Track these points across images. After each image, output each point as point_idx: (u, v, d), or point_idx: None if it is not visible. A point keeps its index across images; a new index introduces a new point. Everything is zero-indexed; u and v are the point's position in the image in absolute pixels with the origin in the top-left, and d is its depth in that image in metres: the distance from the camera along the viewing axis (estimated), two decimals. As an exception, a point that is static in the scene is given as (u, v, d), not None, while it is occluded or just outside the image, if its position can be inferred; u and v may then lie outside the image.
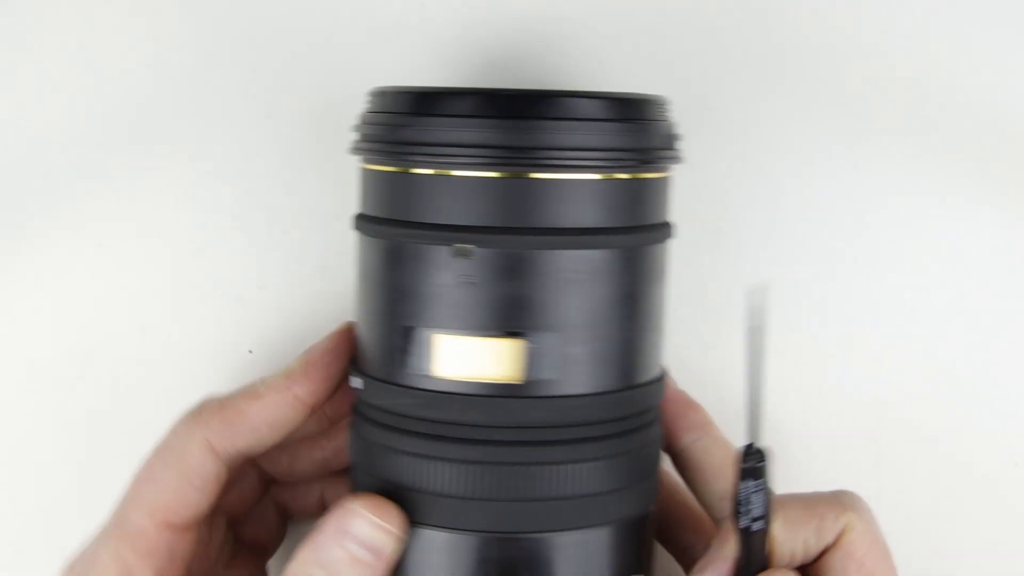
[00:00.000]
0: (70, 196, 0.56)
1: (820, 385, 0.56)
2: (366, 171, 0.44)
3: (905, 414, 0.56)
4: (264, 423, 0.46)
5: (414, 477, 0.42)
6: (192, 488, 0.46)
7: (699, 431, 0.49)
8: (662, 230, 0.44)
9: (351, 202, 0.52)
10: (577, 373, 0.42)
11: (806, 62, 0.54)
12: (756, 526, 0.43)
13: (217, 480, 0.46)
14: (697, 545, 0.50)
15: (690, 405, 0.49)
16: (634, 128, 0.42)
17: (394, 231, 0.42)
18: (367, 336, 0.44)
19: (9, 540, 0.58)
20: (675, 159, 0.44)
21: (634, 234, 0.43)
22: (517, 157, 0.40)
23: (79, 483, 0.57)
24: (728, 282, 0.56)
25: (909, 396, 0.56)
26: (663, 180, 0.44)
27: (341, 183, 0.54)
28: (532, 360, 0.41)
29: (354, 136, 0.45)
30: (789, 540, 0.44)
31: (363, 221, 0.44)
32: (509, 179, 0.40)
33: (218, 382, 0.53)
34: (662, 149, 0.43)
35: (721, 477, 0.48)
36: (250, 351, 0.56)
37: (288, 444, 0.50)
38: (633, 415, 0.44)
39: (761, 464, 0.42)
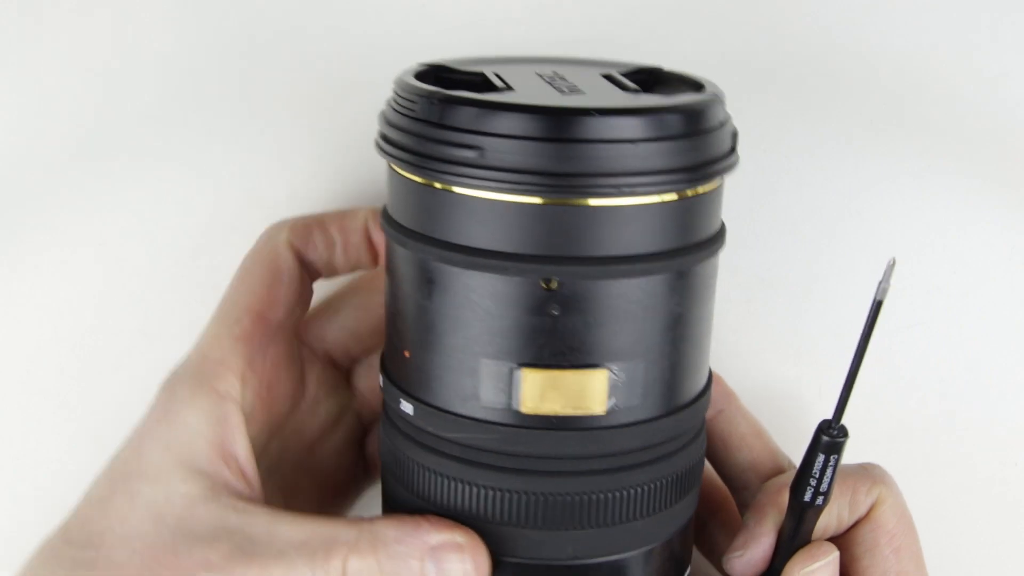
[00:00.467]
0: (70, 196, 0.55)
1: (820, 386, 0.57)
2: (425, 186, 0.41)
3: (905, 414, 0.58)
4: (338, 239, 0.49)
5: (492, 510, 0.42)
6: (280, 283, 0.48)
7: (722, 402, 0.50)
8: (719, 239, 0.43)
9: (351, 202, 0.53)
10: (652, 396, 0.42)
11: (807, 61, 0.55)
12: (819, 501, 0.44)
13: (301, 281, 0.48)
14: (711, 518, 0.51)
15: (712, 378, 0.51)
16: (692, 144, 0.40)
17: (471, 260, 0.40)
18: (422, 360, 0.42)
19: (9, 540, 0.57)
20: (733, 165, 0.42)
21: (694, 252, 0.41)
22: (580, 185, 0.39)
23: (79, 483, 0.56)
24: (728, 280, 0.57)
25: (909, 396, 0.58)
26: (720, 188, 0.43)
27: (341, 183, 0.54)
28: (614, 389, 0.41)
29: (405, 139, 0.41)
30: (824, 514, 0.45)
31: (430, 244, 0.41)
32: (575, 206, 0.39)
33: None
34: (720, 160, 0.42)
35: (744, 447, 0.49)
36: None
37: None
38: (697, 426, 0.45)
39: (842, 440, 0.43)
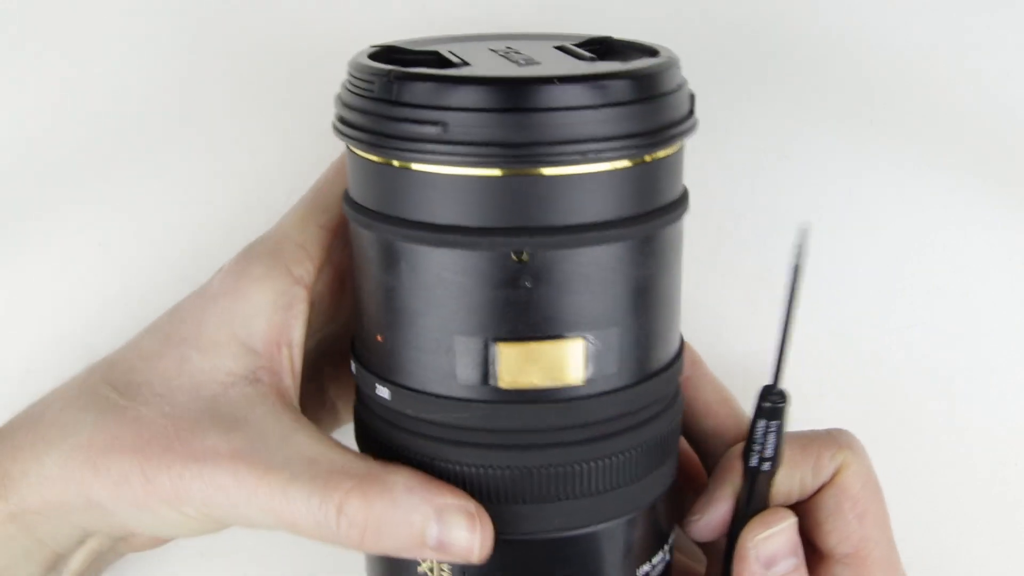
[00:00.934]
0: (71, 196, 0.56)
1: (820, 388, 0.58)
2: (388, 166, 0.41)
3: (905, 414, 0.57)
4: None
5: (476, 489, 0.42)
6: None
7: (689, 368, 0.49)
8: (683, 203, 0.43)
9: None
10: (627, 363, 0.42)
11: (807, 61, 0.55)
12: (765, 466, 0.44)
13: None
14: (686, 485, 0.51)
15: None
16: (653, 107, 0.40)
17: (440, 237, 0.40)
18: (395, 343, 0.42)
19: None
20: (693, 128, 0.42)
21: (662, 215, 0.41)
22: (545, 154, 0.38)
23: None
24: (729, 280, 0.57)
25: (909, 396, 0.57)
26: (681, 152, 0.43)
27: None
28: (590, 358, 0.41)
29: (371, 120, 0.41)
30: (786, 479, 0.45)
31: (396, 225, 0.40)
32: (541, 176, 0.39)
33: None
34: (681, 122, 0.42)
35: (710, 415, 0.49)
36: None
37: None
38: (673, 392, 0.45)
39: (780, 405, 0.43)
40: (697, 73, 0.53)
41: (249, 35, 0.55)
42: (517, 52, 0.44)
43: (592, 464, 0.42)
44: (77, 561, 0.47)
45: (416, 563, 0.44)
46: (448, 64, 0.42)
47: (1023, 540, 0.59)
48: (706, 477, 0.50)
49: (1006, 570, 0.59)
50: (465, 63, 0.41)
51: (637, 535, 0.44)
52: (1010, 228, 0.56)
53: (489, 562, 0.42)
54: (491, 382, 0.41)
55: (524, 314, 0.40)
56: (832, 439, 0.46)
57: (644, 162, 0.40)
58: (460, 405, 0.41)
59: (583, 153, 0.39)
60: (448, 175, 0.39)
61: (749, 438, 0.44)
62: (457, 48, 0.45)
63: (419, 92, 0.39)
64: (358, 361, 0.44)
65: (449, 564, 0.43)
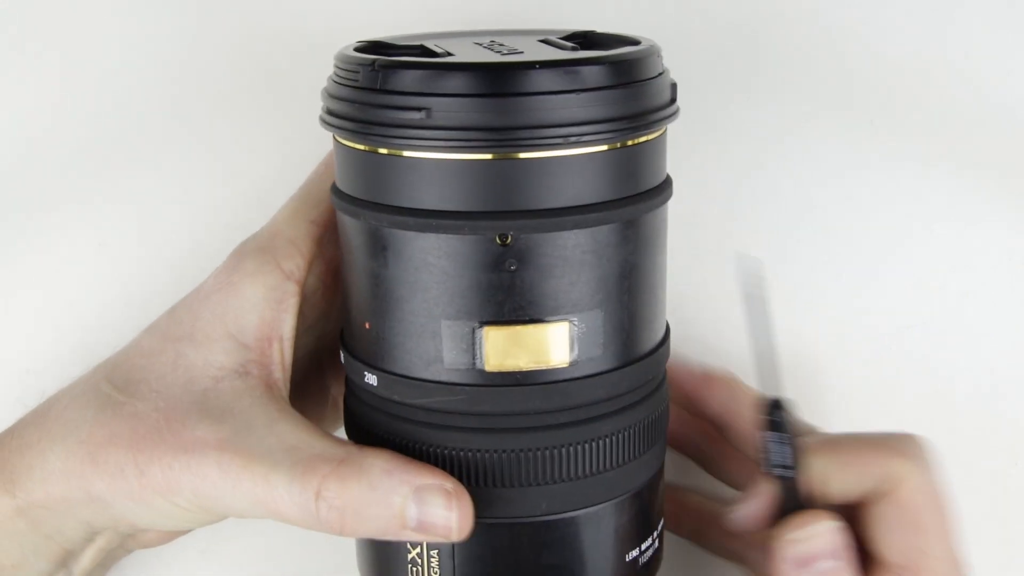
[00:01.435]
0: (71, 196, 0.56)
1: (820, 385, 0.58)
2: (373, 154, 0.41)
3: (905, 414, 0.57)
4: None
5: (464, 472, 0.42)
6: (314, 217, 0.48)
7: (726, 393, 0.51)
8: (667, 188, 0.44)
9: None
10: (613, 346, 0.42)
11: (807, 62, 0.55)
12: (784, 474, 0.44)
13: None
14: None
15: (710, 379, 0.51)
16: (636, 92, 0.41)
17: (424, 222, 0.40)
18: (382, 329, 0.43)
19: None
20: (675, 114, 0.43)
21: (645, 199, 0.42)
22: (528, 138, 0.39)
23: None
24: (730, 280, 0.57)
25: (909, 396, 0.57)
26: (664, 137, 0.44)
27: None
28: (575, 341, 0.41)
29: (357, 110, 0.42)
30: (837, 481, 0.45)
31: (381, 211, 0.41)
32: (524, 160, 0.39)
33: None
34: (664, 107, 0.42)
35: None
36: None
37: None
38: (659, 375, 0.46)
39: (781, 417, 0.44)
40: (698, 72, 0.54)
41: (247, 35, 0.56)
42: (501, 44, 0.44)
43: (578, 447, 0.42)
44: (87, 558, 0.49)
45: (406, 550, 0.44)
46: (432, 55, 0.42)
47: (1023, 540, 0.59)
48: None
49: (1007, 570, 0.59)
50: (449, 54, 0.42)
51: (625, 520, 0.44)
52: (1010, 228, 0.56)
53: (476, 546, 0.43)
54: (477, 365, 0.41)
55: (509, 297, 0.40)
56: (888, 447, 0.46)
57: (626, 146, 0.41)
58: (447, 389, 0.42)
59: (564, 137, 0.39)
60: (431, 160, 0.40)
61: (761, 451, 0.44)
62: (442, 42, 0.45)
63: (402, 79, 0.40)
64: (346, 350, 0.45)
65: (437, 550, 0.43)
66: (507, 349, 0.41)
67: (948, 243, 0.56)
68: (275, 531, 0.56)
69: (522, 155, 0.39)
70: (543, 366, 0.41)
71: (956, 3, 0.54)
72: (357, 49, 0.43)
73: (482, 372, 0.41)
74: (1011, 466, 0.58)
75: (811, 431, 0.50)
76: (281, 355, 0.46)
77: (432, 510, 0.41)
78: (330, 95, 0.43)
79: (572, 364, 0.42)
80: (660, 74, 0.42)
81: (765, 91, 0.56)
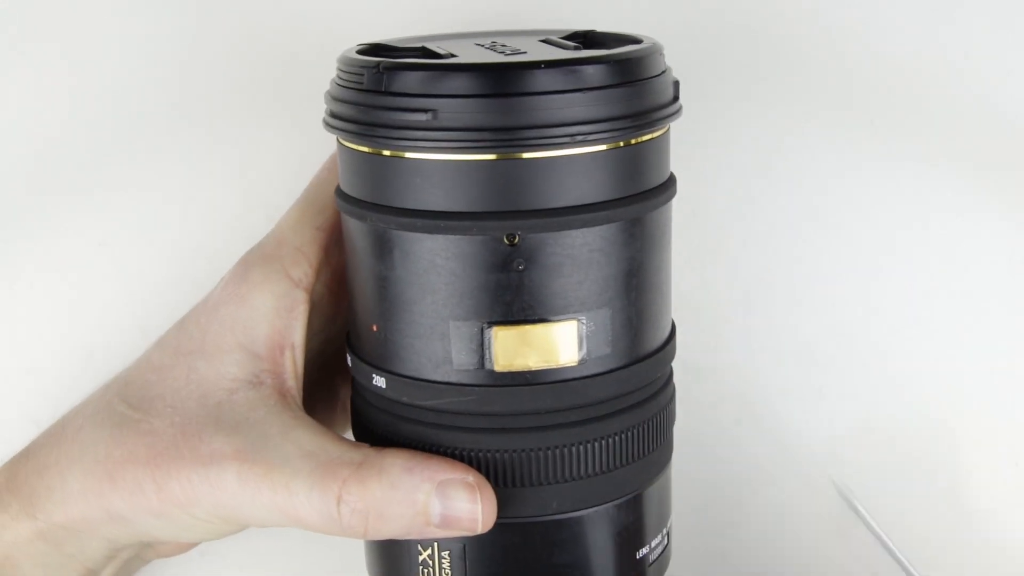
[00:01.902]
0: (71, 196, 0.56)
1: (820, 385, 0.58)
2: (379, 156, 0.41)
3: (905, 413, 0.58)
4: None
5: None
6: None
7: None
8: (671, 186, 0.44)
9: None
10: (621, 344, 0.42)
11: (808, 62, 0.55)
12: None
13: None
14: None
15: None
16: (640, 90, 0.41)
17: (432, 223, 0.40)
18: (390, 332, 0.42)
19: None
20: (678, 112, 0.43)
21: (651, 197, 0.42)
22: (534, 137, 0.39)
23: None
24: (729, 280, 0.57)
25: (909, 396, 0.58)
26: (668, 135, 0.44)
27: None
28: (584, 339, 0.41)
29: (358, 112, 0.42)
30: None
31: (389, 213, 0.41)
32: (530, 160, 0.39)
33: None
34: (668, 105, 0.42)
35: None
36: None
37: None
38: (667, 372, 0.46)
39: None
40: (698, 72, 0.54)
41: (248, 36, 0.56)
42: (503, 45, 0.44)
43: (589, 446, 0.42)
44: (107, 573, 0.49)
45: (417, 551, 0.44)
46: (436, 56, 0.42)
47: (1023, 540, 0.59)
48: None
49: (1008, 570, 0.59)
50: (452, 55, 0.42)
51: (635, 518, 0.44)
52: (1010, 228, 0.56)
53: (487, 546, 0.43)
54: (487, 366, 0.41)
55: (517, 297, 0.40)
56: None
57: (631, 145, 0.41)
58: (456, 390, 0.42)
59: (572, 136, 0.39)
60: (438, 161, 0.40)
61: None
62: (443, 44, 0.45)
63: (408, 81, 0.40)
64: (354, 353, 0.45)
65: (449, 551, 0.43)
66: (516, 349, 0.41)
67: (949, 243, 0.56)
68: (275, 532, 0.56)
69: (529, 155, 0.39)
70: (552, 365, 0.41)
71: (956, 3, 0.54)
72: (360, 52, 0.43)
73: (491, 372, 0.41)
74: (1012, 466, 0.58)
75: None
76: (293, 363, 0.46)
77: (456, 504, 0.41)
78: (334, 98, 0.43)
79: (581, 363, 0.42)
80: (663, 72, 0.43)
81: (764, 90, 0.56)
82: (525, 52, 0.42)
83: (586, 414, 0.42)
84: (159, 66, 0.56)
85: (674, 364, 0.47)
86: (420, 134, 0.39)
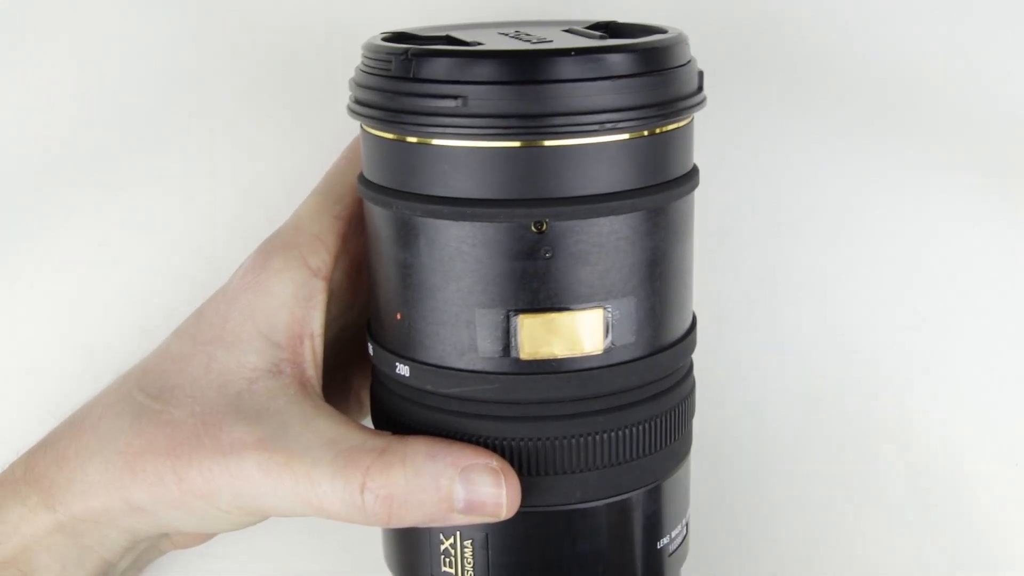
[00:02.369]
0: (71, 196, 0.56)
1: (821, 385, 0.58)
2: (407, 143, 0.41)
3: (906, 413, 0.58)
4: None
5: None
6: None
7: None
8: (694, 176, 0.44)
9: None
10: (645, 332, 0.42)
11: (808, 62, 0.56)
12: None
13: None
14: None
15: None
16: (668, 78, 0.41)
17: (459, 210, 0.40)
18: (415, 319, 0.42)
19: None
20: (701, 103, 0.43)
21: (676, 186, 0.42)
22: (562, 124, 0.39)
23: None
24: (729, 280, 0.57)
25: (910, 395, 0.58)
26: (692, 125, 0.44)
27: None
28: (609, 328, 0.41)
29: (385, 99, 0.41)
30: None
31: (415, 200, 0.41)
32: (558, 147, 0.39)
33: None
34: (690, 96, 0.42)
35: None
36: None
37: None
38: (688, 362, 0.46)
39: None
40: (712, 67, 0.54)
41: (248, 36, 0.56)
42: (527, 34, 0.44)
43: (613, 434, 0.42)
44: (124, 563, 0.49)
45: (439, 540, 0.44)
46: (461, 44, 0.42)
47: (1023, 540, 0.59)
48: None
49: (1008, 570, 0.59)
50: (478, 43, 0.42)
51: (656, 507, 0.45)
52: (1011, 228, 0.56)
53: (509, 535, 0.43)
54: (512, 354, 0.41)
55: (544, 285, 0.40)
56: None
57: (657, 134, 0.41)
58: (481, 378, 0.42)
59: (600, 124, 0.39)
60: (466, 148, 0.40)
61: None
62: (467, 32, 0.45)
63: (437, 68, 0.40)
64: (376, 341, 0.45)
65: (471, 539, 0.43)
66: (542, 337, 0.41)
67: (951, 242, 0.57)
68: (276, 532, 0.56)
69: (557, 142, 0.39)
70: (577, 353, 0.41)
71: (970, 6, 0.55)
72: (385, 39, 0.43)
73: (516, 360, 0.41)
74: (1012, 466, 0.58)
75: None
76: (313, 352, 0.46)
77: (480, 489, 0.41)
78: (359, 85, 0.42)
79: (606, 351, 0.42)
80: (688, 62, 0.43)
81: (765, 90, 0.56)
82: (551, 41, 0.42)
83: (610, 403, 0.42)
84: (159, 66, 0.56)
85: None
86: (448, 120, 0.39)
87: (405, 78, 0.40)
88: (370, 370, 0.47)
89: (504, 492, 0.41)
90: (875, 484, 0.58)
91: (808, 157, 0.56)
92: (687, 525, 0.47)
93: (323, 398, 0.45)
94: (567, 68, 0.39)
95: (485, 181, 0.40)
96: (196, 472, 0.43)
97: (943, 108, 0.55)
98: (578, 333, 0.41)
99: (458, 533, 0.43)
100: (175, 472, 0.43)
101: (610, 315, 0.41)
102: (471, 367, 0.42)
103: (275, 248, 0.46)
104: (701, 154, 0.46)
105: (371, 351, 0.45)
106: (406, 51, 0.41)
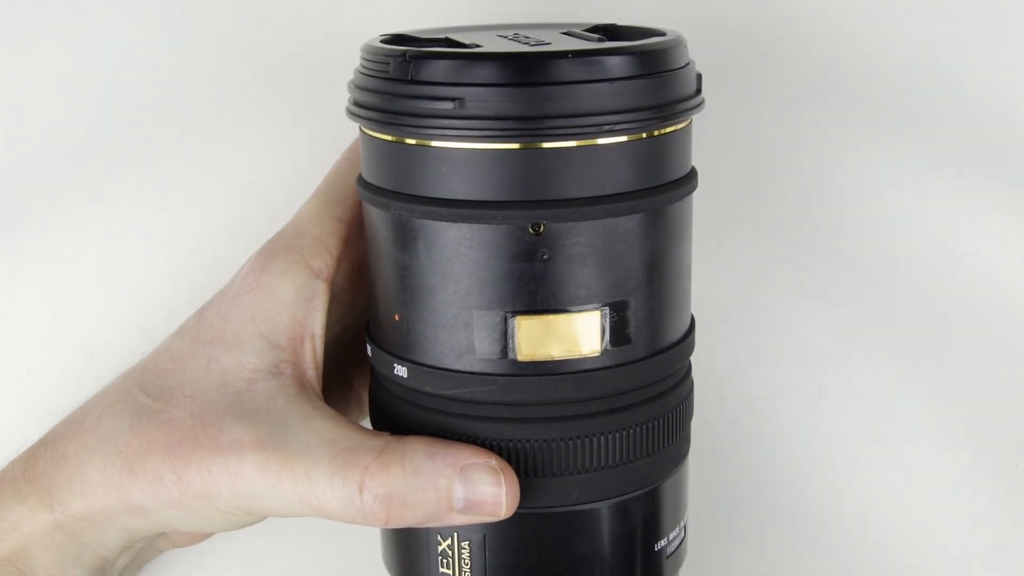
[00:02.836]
0: (71, 197, 0.56)
1: (821, 385, 0.58)
2: (405, 145, 0.41)
3: (906, 413, 0.58)
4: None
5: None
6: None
7: None
8: (693, 179, 0.44)
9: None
10: (643, 335, 0.43)
11: (808, 61, 0.56)
12: None
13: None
14: None
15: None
16: (667, 81, 0.41)
17: (457, 212, 0.40)
18: (413, 321, 0.42)
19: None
20: (700, 105, 0.43)
21: (674, 188, 0.42)
22: (560, 127, 0.39)
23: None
24: (730, 280, 0.57)
25: (909, 396, 0.58)
26: (690, 128, 0.44)
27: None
28: (607, 330, 0.42)
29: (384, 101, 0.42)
30: None
31: (413, 202, 0.41)
32: (557, 149, 0.40)
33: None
34: (688, 98, 0.42)
35: None
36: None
37: None
38: (686, 364, 0.46)
39: None
40: (705, 71, 0.54)
41: (249, 36, 0.56)
42: (526, 37, 0.44)
43: (610, 436, 0.42)
44: (121, 562, 0.49)
45: (436, 541, 0.44)
46: (460, 47, 0.42)
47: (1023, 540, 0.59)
48: None
49: (1009, 570, 0.59)
50: (477, 45, 0.42)
51: (654, 509, 0.45)
52: (1010, 227, 0.56)
53: (507, 536, 0.43)
54: (510, 355, 0.41)
55: (541, 287, 0.41)
56: None
57: (655, 136, 0.41)
58: (479, 379, 0.42)
59: (598, 126, 0.40)
60: (465, 150, 0.40)
61: None
62: (466, 35, 0.45)
63: (435, 70, 0.40)
64: (374, 343, 0.45)
65: (468, 540, 0.43)
66: (539, 338, 0.41)
67: (952, 240, 0.57)
68: (275, 532, 0.56)
69: (555, 144, 0.40)
70: (575, 355, 0.42)
71: (974, 6, 0.55)
72: (384, 41, 0.43)
73: (514, 362, 0.41)
74: (1012, 466, 0.58)
75: None
76: (313, 353, 0.46)
77: (480, 488, 0.41)
78: (357, 87, 0.43)
79: (604, 353, 0.42)
80: (687, 64, 0.43)
81: (766, 90, 0.56)
82: (549, 43, 0.42)
83: (608, 404, 0.42)
84: (159, 67, 0.56)
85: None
86: (447, 122, 0.40)
87: (404, 80, 0.41)
88: (369, 372, 0.47)
89: (504, 492, 0.41)
90: (875, 483, 0.58)
91: (806, 159, 0.57)
92: (685, 527, 0.47)
93: (323, 399, 0.46)
94: (565, 70, 0.39)
95: (483, 183, 0.40)
96: (195, 472, 0.43)
97: (944, 109, 0.55)
98: (576, 335, 0.41)
99: (455, 534, 0.43)
100: (174, 472, 0.43)
101: (608, 317, 0.41)
102: (469, 368, 0.42)
103: (277, 250, 0.46)
104: (699, 156, 0.47)
105: (370, 352, 0.45)
106: (405, 53, 0.41)
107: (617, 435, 0.43)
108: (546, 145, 0.39)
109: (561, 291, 0.41)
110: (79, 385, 0.56)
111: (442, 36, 0.45)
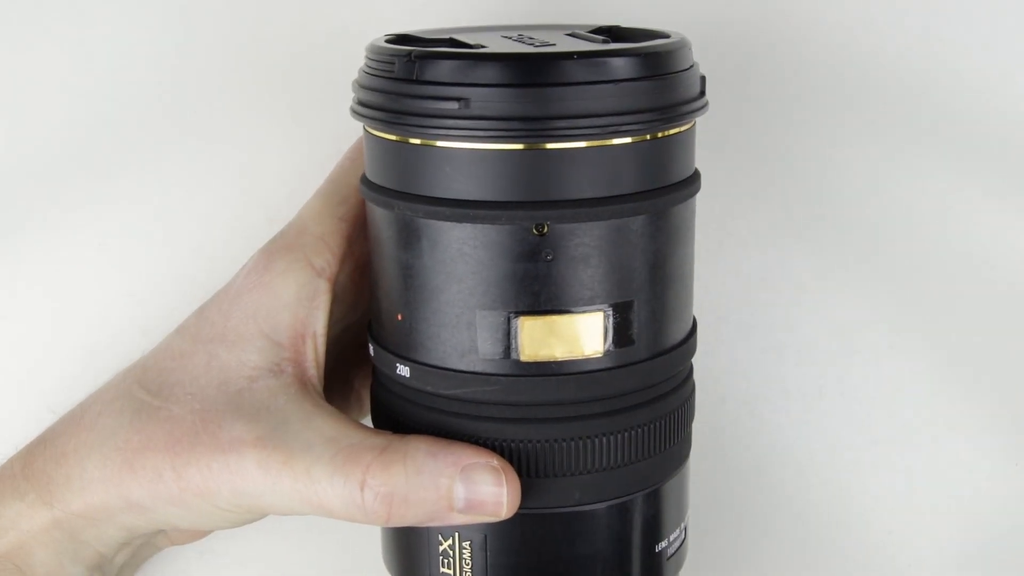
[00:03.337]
0: (71, 196, 0.56)
1: (821, 385, 0.58)
2: (409, 144, 0.41)
3: (906, 413, 0.58)
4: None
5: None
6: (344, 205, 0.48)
7: None
8: (696, 181, 0.44)
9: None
10: (646, 336, 0.43)
11: (809, 62, 0.56)
12: None
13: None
14: None
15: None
16: (671, 82, 0.41)
17: (461, 212, 0.40)
18: (416, 321, 0.42)
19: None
20: (703, 107, 0.43)
21: (678, 190, 0.42)
22: (565, 128, 0.39)
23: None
24: (730, 280, 0.58)
25: (909, 396, 0.58)
26: (694, 129, 0.44)
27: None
28: (610, 330, 0.42)
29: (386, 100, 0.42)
30: None
31: (417, 202, 0.41)
32: (561, 150, 0.40)
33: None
34: (692, 100, 0.43)
35: None
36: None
37: None
38: (688, 366, 0.46)
39: None
40: (709, 72, 0.54)
41: (249, 36, 0.55)
42: (531, 38, 0.45)
43: (612, 437, 0.42)
44: (120, 559, 0.49)
45: (437, 541, 0.44)
46: (464, 47, 0.42)
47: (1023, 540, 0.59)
48: None
49: (1009, 570, 0.59)
50: (482, 46, 0.42)
51: (655, 511, 0.45)
52: (1010, 227, 0.56)
53: (508, 537, 0.43)
54: (512, 356, 0.41)
55: (545, 287, 0.41)
56: None
57: (659, 138, 0.41)
58: (481, 379, 0.42)
59: (602, 127, 0.40)
60: (469, 150, 0.40)
61: None
62: (470, 35, 0.45)
63: (440, 70, 0.40)
64: (376, 342, 0.45)
65: (469, 540, 0.43)
66: (542, 339, 0.41)
67: (954, 240, 0.57)
68: (275, 531, 0.56)
69: (560, 145, 0.40)
70: (577, 356, 0.42)
71: (976, 7, 0.55)
72: (389, 41, 0.43)
73: (517, 362, 0.41)
74: (1012, 466, 0.58)
75: None
76: (315, 352, 0.46)
77: (481, 487, 0.41)
78: (362, 86, 0.43)
79: (606, 354, 0.42)
80: (691, 67, 0.43)
81: (766, 90, 0.56)
82: (554, 44, 0.42)
83: (610, 406, 0.42)
84: (159, 66, 0.56)
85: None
86: (451, 123, 0.40)
87: (408, 80, 0.41)
88: (370, 372, 0.47)
89: (505, 491, 0.41)
90: (875, 483, 0.58)
91: (809, 162, 0.57)
92: (686, 529, 0.48)
93: (324, 397, 0.46)
94: (570, 71, 0.39)
95: (487, 183, 0.40)
96: (195, 469, 0.43)
97: (945, 111, 0.56)
98: (578, 336, 0.41)
99: (456, 534, 0.44)
100: (174, 469, 0.43)
101: (610, 318, 0.41)
102: (471, 368, 0.42)
103: (279, 249, 0.46)
104: (702, 158, 0.47)
105: (372, 352, 0.45)
106: (409, 53, 0.41)
107: (619, 436, 0.43)
108: (550, 146, 0.40)
109: (564, 292, 0.41)
110: (79, 384, 0.55)
111: (447, 37, 0.45)
